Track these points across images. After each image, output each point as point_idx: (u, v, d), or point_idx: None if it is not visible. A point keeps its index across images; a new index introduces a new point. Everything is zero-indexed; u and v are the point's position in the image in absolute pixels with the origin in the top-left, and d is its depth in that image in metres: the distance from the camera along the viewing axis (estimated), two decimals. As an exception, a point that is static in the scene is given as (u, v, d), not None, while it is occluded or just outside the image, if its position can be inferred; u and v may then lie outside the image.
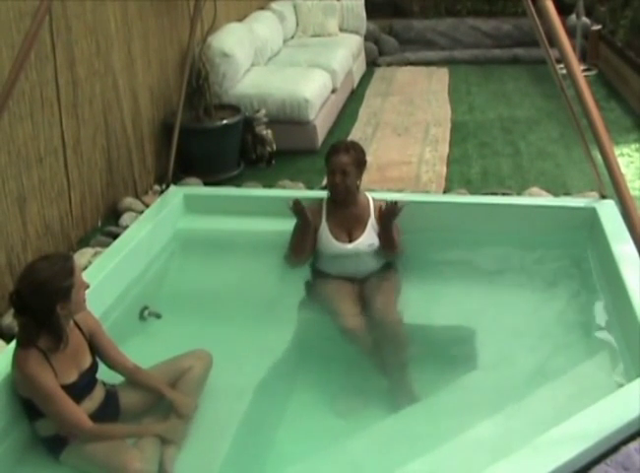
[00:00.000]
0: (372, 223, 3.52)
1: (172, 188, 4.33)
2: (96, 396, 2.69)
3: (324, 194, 3.64)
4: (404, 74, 8.39)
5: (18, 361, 2.51)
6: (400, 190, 4.75)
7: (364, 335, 3.22)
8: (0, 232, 3.52)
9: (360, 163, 3.53)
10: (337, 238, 3.49)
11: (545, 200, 4.35)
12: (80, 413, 2.54)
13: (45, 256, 2.62)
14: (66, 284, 2.50)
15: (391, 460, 2.57)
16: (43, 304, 2.47)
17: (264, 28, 6.91)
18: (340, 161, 3.44)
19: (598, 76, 7.81)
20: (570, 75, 2.35)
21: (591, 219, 3.74)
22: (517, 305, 3.49)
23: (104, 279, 3.34)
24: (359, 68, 8.17)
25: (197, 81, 5.22)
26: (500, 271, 3.82)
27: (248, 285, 3.71)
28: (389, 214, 3.42)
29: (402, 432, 2.86)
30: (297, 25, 8.08)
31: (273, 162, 5.56)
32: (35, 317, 2.50)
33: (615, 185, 2.32)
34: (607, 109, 6.55)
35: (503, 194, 4.61)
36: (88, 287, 2.64)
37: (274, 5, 7.74)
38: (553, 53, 3.20)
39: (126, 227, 4.13)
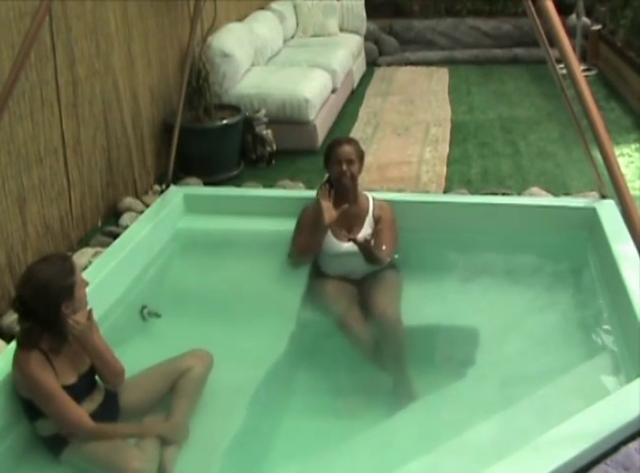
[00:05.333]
0: (369, 220, 3.53)
1: (172, 188, 4.33)
2: (96, 397, 2.69)
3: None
4: (404, 74, 8.39)
5: (19, 362, 2.51)
6: (400, 190, 4.75)
7: (364, 334, 3.22)
8: (0, 232, 3.52)
9: (361, 156, 3.58)
10: (337, 237, 3.49)
11: (545, 200, 4.35)
12: (81, 413, 2.55)
13: (43, 258, 2.62)
14: (68, 282, 2.51)
15: (391, 460, 2.57)
16: (49, 305, 2.47)
17: (264, 28, 6.91)
18: (344, 150, 3.49)
19: (598, 76, 7.81)
20: (570, 75, 2.34)
21: (591, 219, 3.74)
22: (517, 305, 3.50)
23: (104, 279, 3.34)
24: (359, 68, 8.17)
25: (197, 81, 5.22)
26: (500, 271, 3.82)
27: (248, 285, 3.71)
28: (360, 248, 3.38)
29: (402, 431, 2.86)
30: (297, 25, 8.08)
31: (273, 162, 5.57)
32: (41, 320, 2.50)
33: (615, 185, 2.31)
34: (607, 109, 6.55)
35: (503, 194, 4.61)
36: (87, 284, 2.65)
37: (274, 5, 7.74)
38: (553, 53, 3.19)
39: (126, 227, 4.13)
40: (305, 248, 3.55)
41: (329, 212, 3.38)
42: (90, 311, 2.62)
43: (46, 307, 2.48)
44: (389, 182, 5.09)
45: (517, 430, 2.50)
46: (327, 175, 3.61)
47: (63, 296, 2.49)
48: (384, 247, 3.49)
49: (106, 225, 4.43)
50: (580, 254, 3.77)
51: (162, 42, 5.25)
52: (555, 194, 4.60)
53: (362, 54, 8.45)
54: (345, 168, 3.46)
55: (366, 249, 3.36)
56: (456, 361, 3.27)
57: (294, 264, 3.63)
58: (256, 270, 3.78)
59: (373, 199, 3.63)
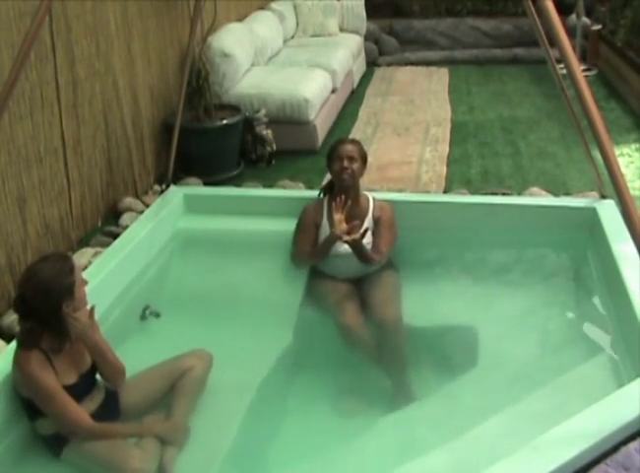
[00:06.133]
0: (369, 221, 3.53)
1: (172, 188, 4.33)
2: (96, 397, 2.70)
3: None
4: (404, 74, 8.39)
5: (19, 361, 2.51)
6: (400, 190, 4.76)
7: (364, 334, 3.22)
8: (0, 232, 3.52)
9: (364, 157, 3.58)
10: (336, 237, 3.49)
11: (545, 200, 4.35)
12: (81, 412, 2.55)
13: (43, 258, 2.62)
14: (69, 281, 2.51)
15: (391, 460, 2.57)
16: (49, 304, 2.48)
17: (264, 28, 6.91)
18: (346, 148, 3.52)
19: (598, 76, 7.81)
20: (570, 75, 2.34)
21: (591, 219, 3.74)
22: (517, 305, 3.49)
23: (105, 279, 3.34)
24: (359, 68, 8.17)
25: (197, 81, 5.22)
26: (500, 271, 3.82)
27: (248, 285, 3.71)
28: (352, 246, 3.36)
29: (402, 431, 2.86)
30: (297, 25, 8.08)
31: (273, 162, 5.57)
32: (41, 319, 2.50)
33: (615, 185, 2.31)
34: (607, 109, 6.55)
35: (503, 194, 4.61)
36: (87, 283, 2.65)
37: (274, 5, 7.74)
38: (553, 53, 3.20)
39: (126, 227, 4.13)
40: (310, 255, 3.54)
41: (340, 225, 3.37)
42: (91, 310, 2.62)
43: (47, 307, 2.48)
44: (389, 182, 5.08)
45: (517, 430, 2.50)
46: (328, 179, 3.60)
47: (64, 295, 2.50)
48: (382, 248, 3.49)
49: (106, 225, 4.43)
50: (580, 254, 3.77)
51: (162, 42, 5.25)
52: (555, 194, 4.60)
53: (362, 54, 8.45)
54: (346, 164, 3.46)
55: (356, 248, 3.35)
56: (455, 361, 3.27)
57: (297, 266, 3.62)
58: (256, 270, 3.78)
59: (374, 199, 3.63)
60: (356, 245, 3.32)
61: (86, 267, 3.54)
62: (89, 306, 2.65)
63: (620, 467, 2.16)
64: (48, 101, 3.88)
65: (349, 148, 3.52)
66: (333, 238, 3.37)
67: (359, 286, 3.49)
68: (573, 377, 2.91)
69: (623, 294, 3.01)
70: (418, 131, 6.29)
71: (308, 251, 3.54)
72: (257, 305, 3.52)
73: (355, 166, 3.49)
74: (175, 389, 2.82)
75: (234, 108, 5.51)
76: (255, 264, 3.80)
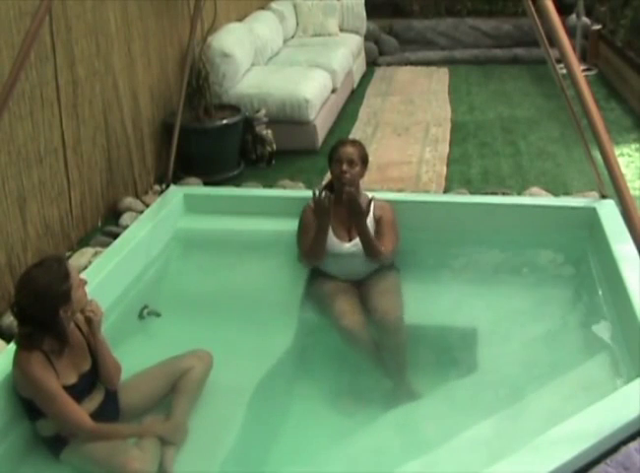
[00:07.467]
0: (370, 221, 3.52)
1: (172, 188, 4.33)
2: (96, 397, 2.69)
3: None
4: (404, 74, 8.39)
5: (20, 362, 2.51)
6: (400, 190, 4.76)
7: (364, 335, 3.22)
8: (0, 232, 3.52)
9: (365, 159, 3.56)
10: (337, 237, 3.48)
11: (545, 200, 4.35)
12: (82, 413, 2.55)
13: (39, 263, 2.60)
14: (64, 288, 2.50)
15: (390, 460, 2.57)
16: (46, 311, 2.48)
17: (264, 28, 6.91)
18: (347, 150, 3.50)
19: (598, 76, 7.81)
20: (570, 75, 2.34)
21: (591, 219, 3.74)
22: (516, 305, 3.49)
23: (104, 279, 3.34)
24: (359, 68, 8.17)
25: (197, 81, 5.22)
26: (500, 271, 3.82)
27: (248, 285, 3.70)
28: (355, 214, 3.38)
29: (402, 431, 2.86)
30: (297, 25, 8.08)
31: (273, 162, 5.57)
32: (39, 325, 2.50)
33: (615, 185, 2.31)
34: (607, 109, 6.55)
35: (503, 194, 4.61)
36: (85, 283, 2.64)
37: (274, 5, 7.74)
38: (553, 53, 3.20)
39: (126, 227, 4.13)
40: (308, 247, 3.52)
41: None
42: (82, 311, 2.62)
43: (44, 314, 2.48)
44: (389, 182, 5.08)
45: (517, 430, 2.50)
46: (328, 179, 3.60)
47: (59, 302, 2.49)
48: (387, 246, 3.48)
49: (106, 225, 4.43)
50: (580, 254, 3.77)
51: (162, 42, 5.25)
52: (555, 194, 4.60)
53: (362, 54, 8.45)
54: (345, 167, 3.46)
55: (359, 216, 3.35)
56: (455, 361, 3.27)
57: (306, 266, 3.61)
58: (256, 270, 3.78)
59: (374, 199, 3.62)
60: (355, 206, 3.32)
61: (86, 267, 3.54)
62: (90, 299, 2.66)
63: (620, 467, 2.16)
64: (48, 101, 3.89)
65: (349, 150, 3.50)
66: (322, 214, 3.37)
67: (360, 286, 3.49)
68: (573, 377, 2.91)
69: (623, 294, 3.01)
70: (418, 131, 6.29)
71: (310, 253, 3.51)
72: (257, 305, 3.51)
73: (355, 169, 3.47)
74: (175, 389, 2.82)
75: (234, 108, 5.51)
76: (255, 264, 3.80)
